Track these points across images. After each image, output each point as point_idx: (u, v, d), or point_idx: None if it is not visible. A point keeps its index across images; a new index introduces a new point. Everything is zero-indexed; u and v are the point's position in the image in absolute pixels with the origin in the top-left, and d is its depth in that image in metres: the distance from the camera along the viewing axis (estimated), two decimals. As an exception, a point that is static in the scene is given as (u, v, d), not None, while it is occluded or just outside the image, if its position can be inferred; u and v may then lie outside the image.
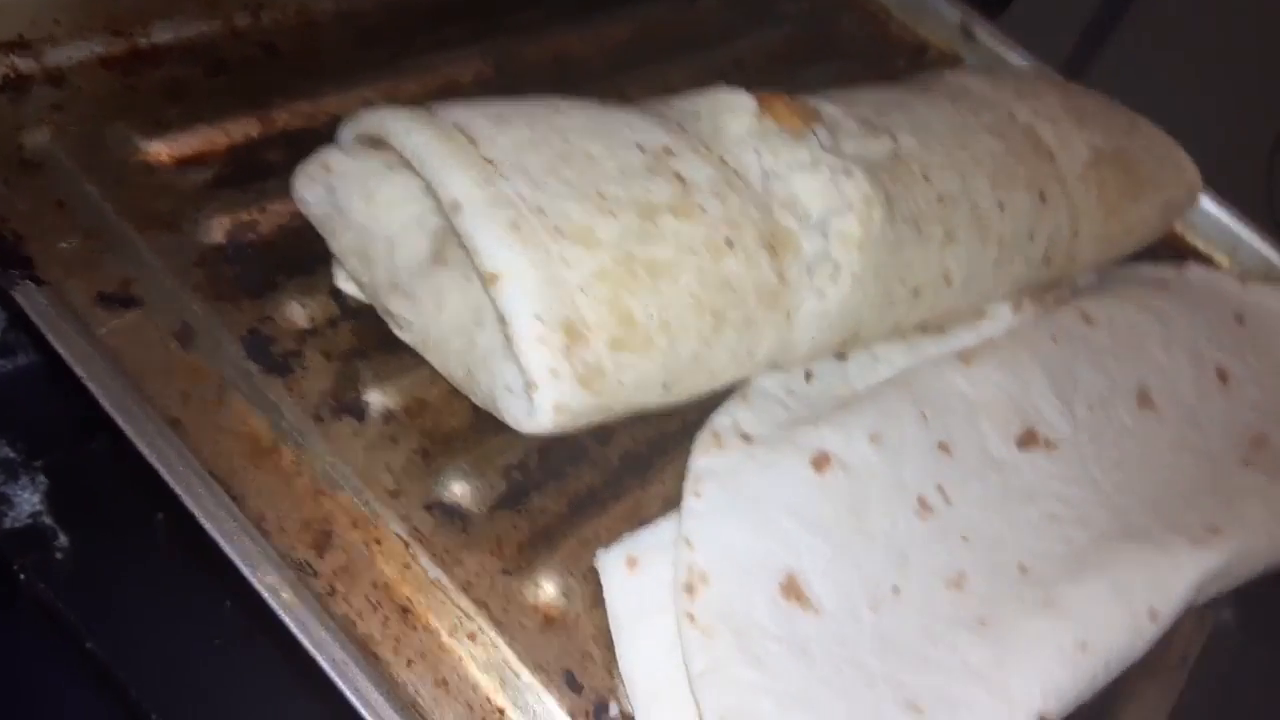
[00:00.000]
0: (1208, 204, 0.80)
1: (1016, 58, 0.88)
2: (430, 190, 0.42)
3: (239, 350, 0.45)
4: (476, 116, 0.44)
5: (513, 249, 0.39)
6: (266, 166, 0.52)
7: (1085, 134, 0.63)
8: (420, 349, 0.45)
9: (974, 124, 0.59)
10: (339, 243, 0.46)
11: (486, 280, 0.39)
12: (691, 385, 0.45)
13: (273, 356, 0.45)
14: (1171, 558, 0.46)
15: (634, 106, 0.50)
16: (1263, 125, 1.41)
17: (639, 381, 0.42)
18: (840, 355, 0.53)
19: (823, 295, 0.47)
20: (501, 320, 0.40)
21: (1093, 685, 0.42)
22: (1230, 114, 1.37)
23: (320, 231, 0.47)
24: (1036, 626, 0.42)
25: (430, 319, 0.44)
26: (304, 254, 0.49)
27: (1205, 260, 0.80)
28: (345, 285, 0.48)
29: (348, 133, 0.47)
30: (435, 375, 0.47)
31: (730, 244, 0.44)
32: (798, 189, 0.48)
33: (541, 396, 0.39)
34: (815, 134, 0.50)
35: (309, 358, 0.46)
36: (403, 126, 0.43)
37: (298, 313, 0.47)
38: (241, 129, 0.54)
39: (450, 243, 0.43)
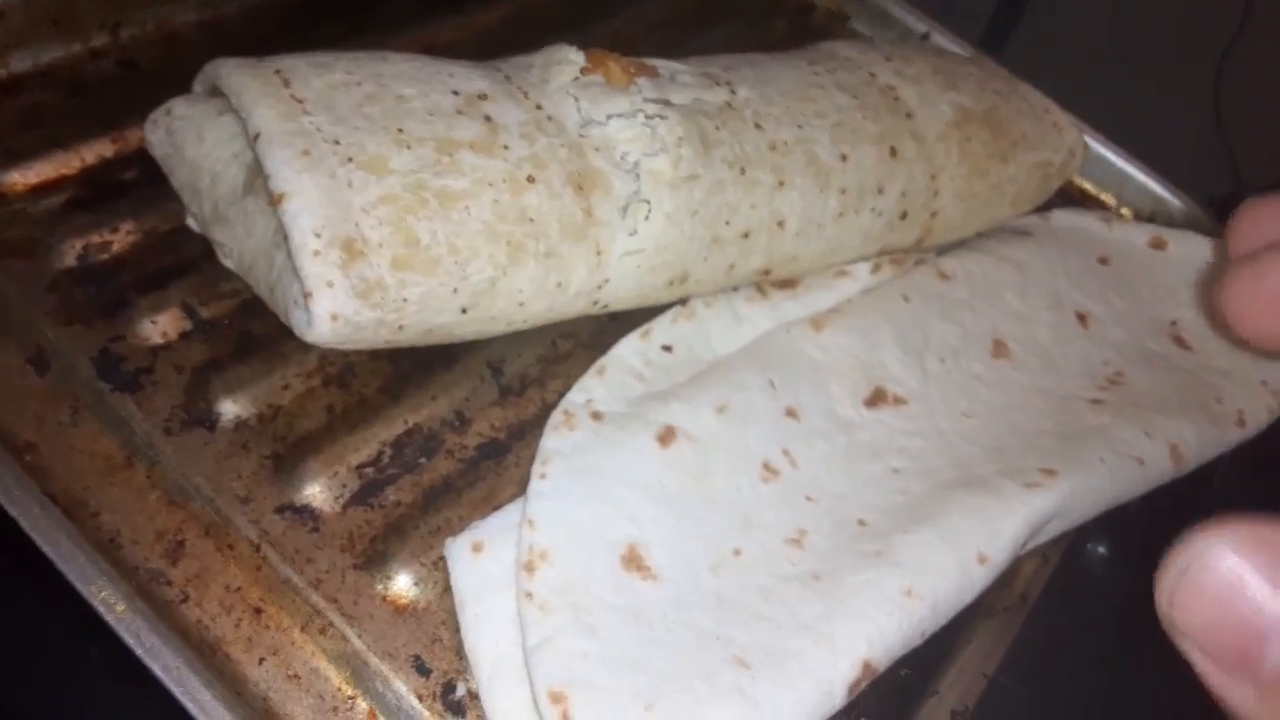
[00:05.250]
0: (1095, 145, 0.81)
1: (902, 12, 0.89)
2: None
3: (91, 370, 0.46)
4: (299, 62, 0.48)
5: (300, 172, 0.43)
6: (120, 186, 0.54)
7: (952, 95, 0.64)
8: (240, 273, 0.49)
9: (827, 82, 0.60)
10: (176, 179, 0.51)
11: (275, 200, 0.43)
12: (496, 310, 0.48)
13: (123, 374, 0.46)
14: (1002, 502, 0.47)
15: (471, 61, 0.52)
16: (1209, 44, 1.41)
17: (426, 300, 0.45)
18: (682, 301, 0.56)
19: (634, 233, 0.50)
20: (287, 238, 0.43)
21: (921, 629, 0.44)
22: (1175, 39, 1.38)
23: (164, 170, 0.51)
24: (865, 577, 0.44)
25: (242, 243, 0.48)
26: (156, 269, 0.50)
27: (1094, 203, 0.82)
28: (191, 223, 0.52)
29: (196, 83, 0.51)
30: (288, 382, 0.48)
31: (532, 180, 0.47)
32: (613, 133, 0.50)
33: (317, 305, 0.42)
34: (639, 86, 0.52)
35: (160, 373, 0.47)
36: (228, 70, 0.47)
37: (149, 329, 0.48)
38: (95, 150, 0.55)
39: (260, 173, 0.46)
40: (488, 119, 0.48)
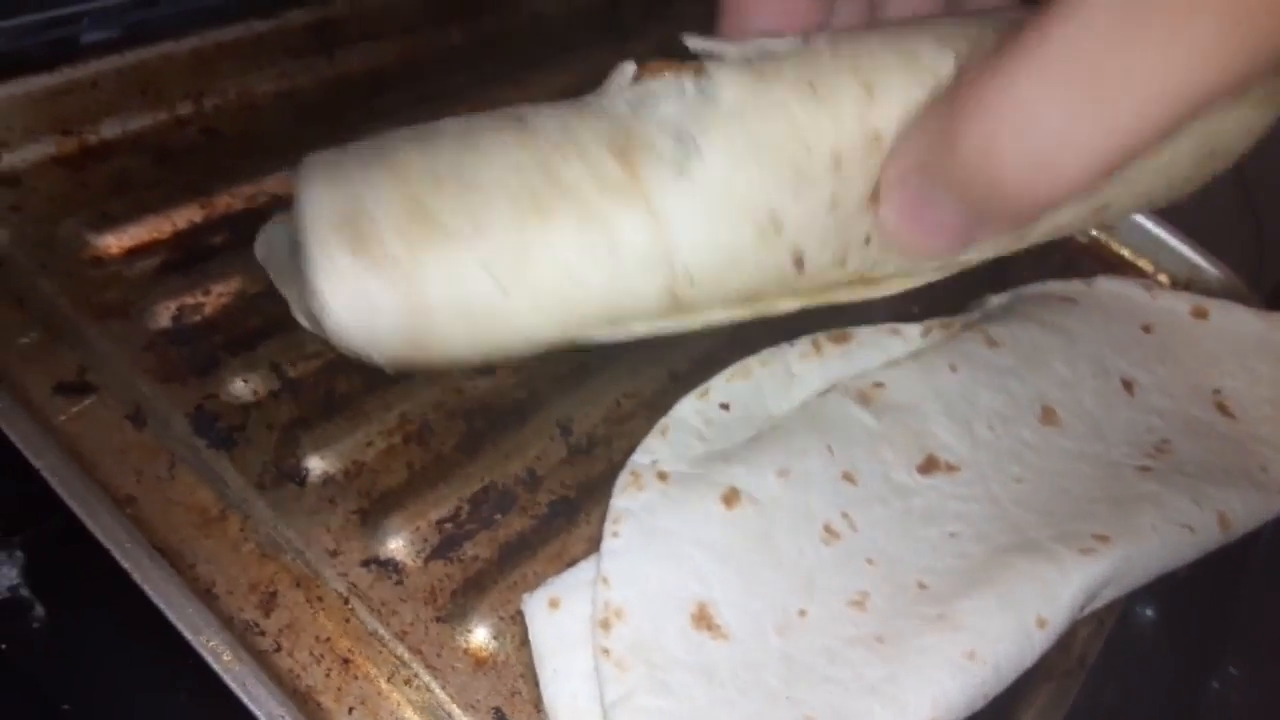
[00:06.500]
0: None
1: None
2: None
3: (187, 427, 0.49)
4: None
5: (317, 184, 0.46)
6: (209, 249, 0.56)
7: None
8: (309, 327, 0.52)
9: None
10: (278, 279, 0.53)
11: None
12: (543, 283, 0.46)
13: (218, 431, 0.49)
14: (1059, 567, 0.49)
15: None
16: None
17: (451, 272, 0.44)
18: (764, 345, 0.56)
19: (690, 177, 0.46)
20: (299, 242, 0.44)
21: (983, 692, 0.45)
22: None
23: (268, 271, 0.54)
24: (929, 640, 0.46)
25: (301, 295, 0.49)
26: (246, 331, 0.53)
27: (1131, 269, 0.84)
28: (299, 318, 0.52)
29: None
30: (371, 439, 0.51)
31: (564, 156, 0.46)
32: (662, 106, 0.47)
33: (326, 283, 0.44)
34: (691, 77, 0.49)
35: (252, 430, 0.49)
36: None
37: (241, 388, 0.51)
38: (185, 215, 0.57)
39: None
40: (519, 119, 0.48)
